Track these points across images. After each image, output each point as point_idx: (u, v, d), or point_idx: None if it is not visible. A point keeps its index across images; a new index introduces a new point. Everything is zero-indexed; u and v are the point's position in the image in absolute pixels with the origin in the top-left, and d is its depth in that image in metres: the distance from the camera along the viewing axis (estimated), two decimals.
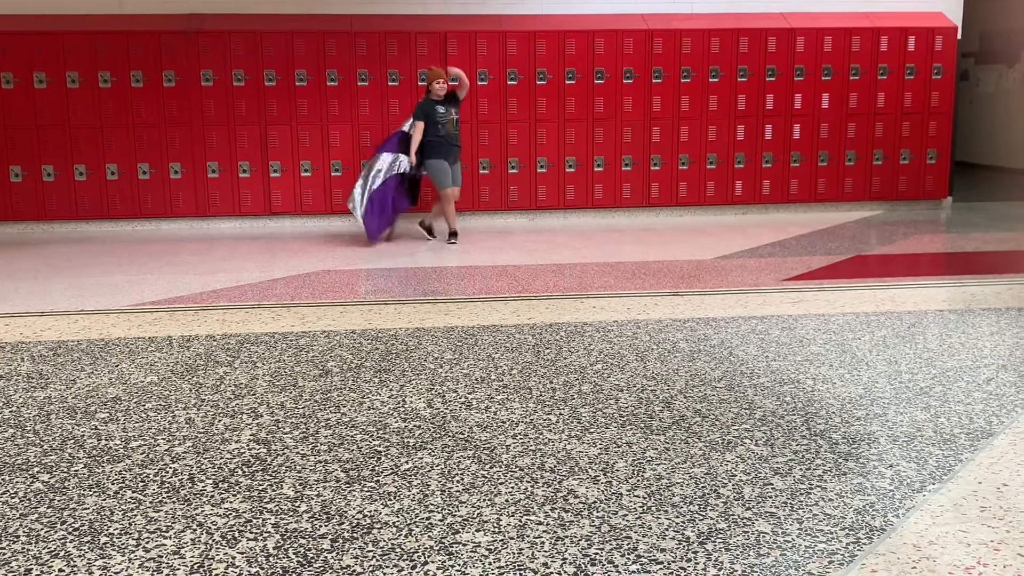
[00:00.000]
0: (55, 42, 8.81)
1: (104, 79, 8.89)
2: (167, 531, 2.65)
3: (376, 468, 3.09)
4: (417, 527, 2.67)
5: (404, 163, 8.04)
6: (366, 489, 2.93)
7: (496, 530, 2.65)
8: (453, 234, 8.26)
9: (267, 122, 9.14)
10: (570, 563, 2.46)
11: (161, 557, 2.50)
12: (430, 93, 8.02)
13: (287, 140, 9.19)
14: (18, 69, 8.79)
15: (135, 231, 9.17)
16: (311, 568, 2.44)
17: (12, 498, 2.88)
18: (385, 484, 2.96)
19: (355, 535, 2.62)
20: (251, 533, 2.63)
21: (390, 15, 9.37)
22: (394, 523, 2.69)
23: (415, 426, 3.48)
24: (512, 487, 2.94)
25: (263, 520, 2.71)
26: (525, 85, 9.35)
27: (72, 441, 3.36)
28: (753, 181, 9.89)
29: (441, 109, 7.97)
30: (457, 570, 2.42)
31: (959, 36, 10.04)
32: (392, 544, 2.57)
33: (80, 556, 2.51)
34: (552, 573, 2.41)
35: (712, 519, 2.72)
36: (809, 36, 9.71)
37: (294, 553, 2.52)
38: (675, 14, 9.68)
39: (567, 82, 9.42)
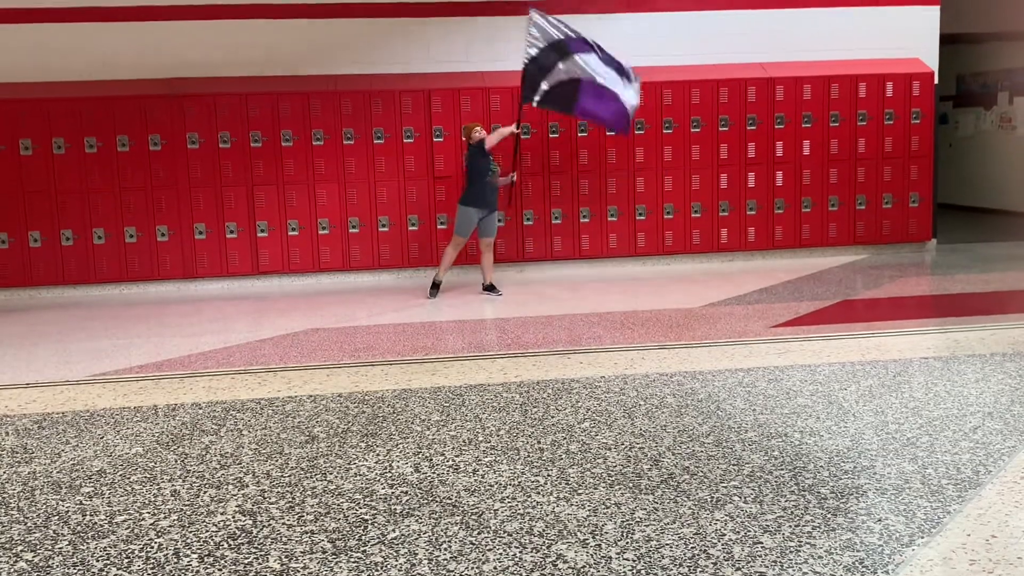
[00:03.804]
0: (40, 109, 8.87)
1: (90, 144, 8.94)
2: None
3: (363, 537, 3.07)
4: None
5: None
6: (352, 560, 2.90)
7: None
8: (435, 285, 8.28)
9: (253, 182, 9.19)
10: None
11: None
12: (472, 141, 8.11)
13: (274, 200, 9.24)
14: (3, 136, 8.84)
15: (122, 294, 9.16)
16: None
17: None
18: (372, 554, 2.94)
19: None
20: None
21: (374, 74, 9.47)
22: None
23: (402, 492, 3.46)
24: (501, 553, 2.92)
25: None
26: (510, 139, 9.41)
27: (56, 517, 3.33)
28: (738, 228, 9.96)
29: (491, 158, 8.12)
30: None
31: (936, 81, 10.19)
32: None
33: None
34: None
35: None
36: (788, 85, 9.84)
37: None
38: (655, 67, 9.81)
39: (551, 136, 9.51)
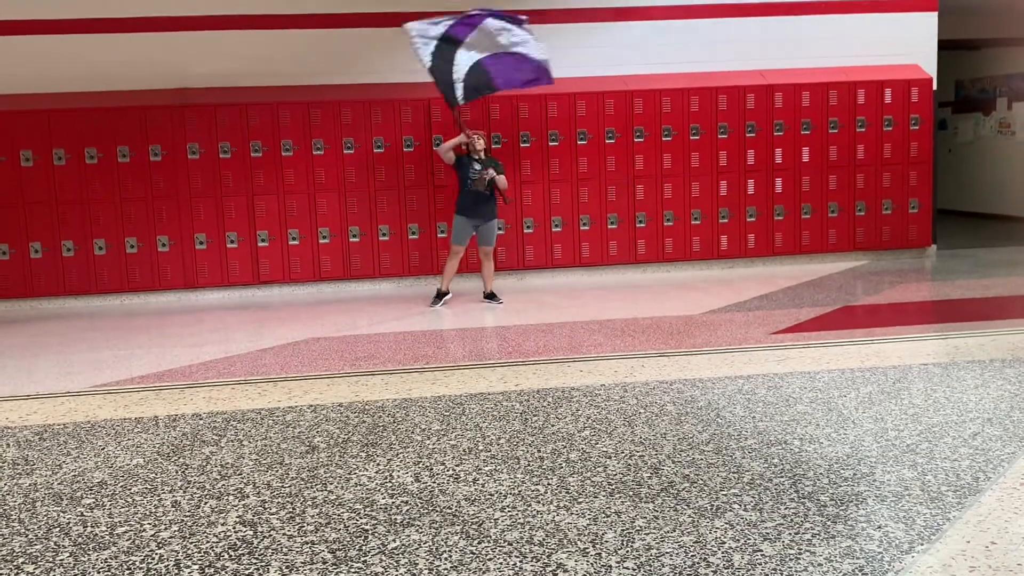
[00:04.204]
0: (41, 120, 8.89)
1: (91, 155, 8.96)
2: None
3: (363, 548, 3.07)
4: None
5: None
6: (353, 570, 2.91)
7: None
8: (439, 295, 8.29)
9: (254, 192, 9.22)
10: None
11: None
12: (470, 151, 8.18)
13: (274, 209, 9.26)
14: (4, 147, 8.86)
15: (123, 305, 9.18)
16: None
17: None
18: (372, 564, 2.94)
19: None
20: None
21: (374, 84, 9.50)
22: None
23: (402, 502, 3.47)
24: (501, 563, 2.92)
25: None
26: (509, 148, 9.46)
27: (58, 529, 3.34)
28: (738, 235, 9.97)
29: (476, 166, 8.10)
30: None
31: (935, 87, 10.22)
32: None
33: None
34: None
35: None
36: (787, 92, 9.86)
37: None
38: (654, 75, 9.84)
39: (551, 144, 9.53)
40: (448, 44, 7.91)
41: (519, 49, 7.98)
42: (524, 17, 8.20)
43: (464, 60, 7.91)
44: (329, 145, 9.26)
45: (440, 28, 7.89)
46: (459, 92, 7.91)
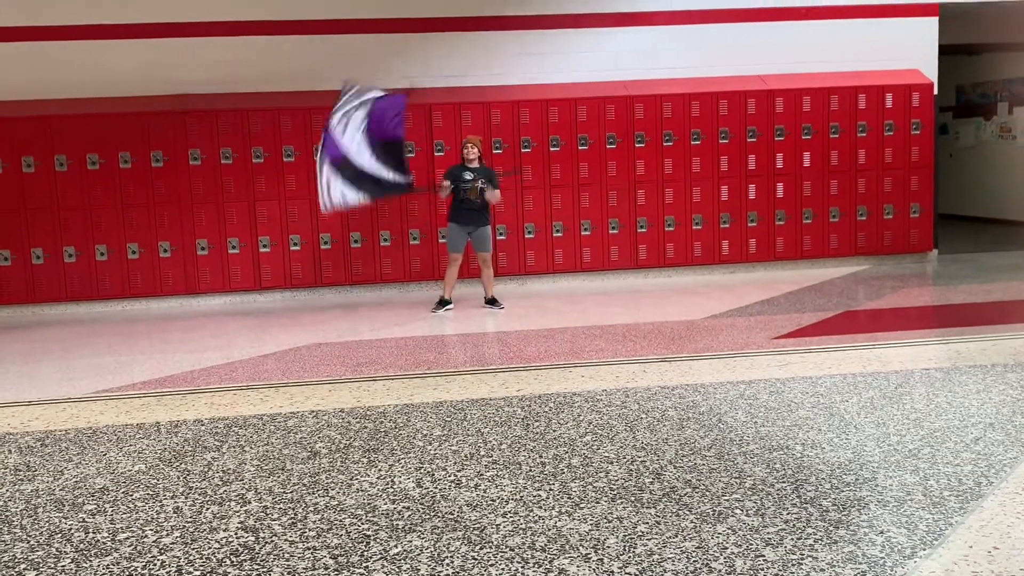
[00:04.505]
0: (42, 126, 8.91)
1: (92, 161, 8.98)
2: None
3: (365, 553, 3.07)
4: None
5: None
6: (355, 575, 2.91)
7: None
8: (441, 302, 8.30)
9: (255, 198, 9.23)
10: None
11: None
12: (464, 160, 8.22)
13: (276, 215, 9.27)
14: (6, 153, 8.88)
15: (125, 311, 9.19)
16: None
17: None
18: (374, 570, 2.94)
19: None
20: None
21: None
22: None
23: (404, 507, 3.47)
24: (503, 568, 2.92)
25: None
26: (510, 154, 9.47)
27: (59, 535, 3.33)
28: (739, 240, 9.97)
29: (468, 175, 8.10)
30: None
31: (936, 91, 10.22)
32: None
33: None
34: None
35: None
36: (788, 97, 9.87)
37: None
38: (655, 80, 9.85)
39: (551, 149, 9.54)
40: (340, 166, 7.58)
41: (368, 110, 7.68)
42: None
43: (362, 159, 7.59)
44: None
45: (324, 164, 7.54)
46: (398, 179, 7.70)
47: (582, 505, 3.42)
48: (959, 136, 14.76)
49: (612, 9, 9.89)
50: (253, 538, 3.24)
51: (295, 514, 3.44)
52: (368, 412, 4.84)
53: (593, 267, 9.79)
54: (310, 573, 2.94)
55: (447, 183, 8.11)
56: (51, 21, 9.15)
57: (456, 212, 8.18)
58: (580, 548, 3.05)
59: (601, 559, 2.96)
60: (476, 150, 8.18)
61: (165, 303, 9.33)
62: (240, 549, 3.15)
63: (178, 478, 3.91)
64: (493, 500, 3.50)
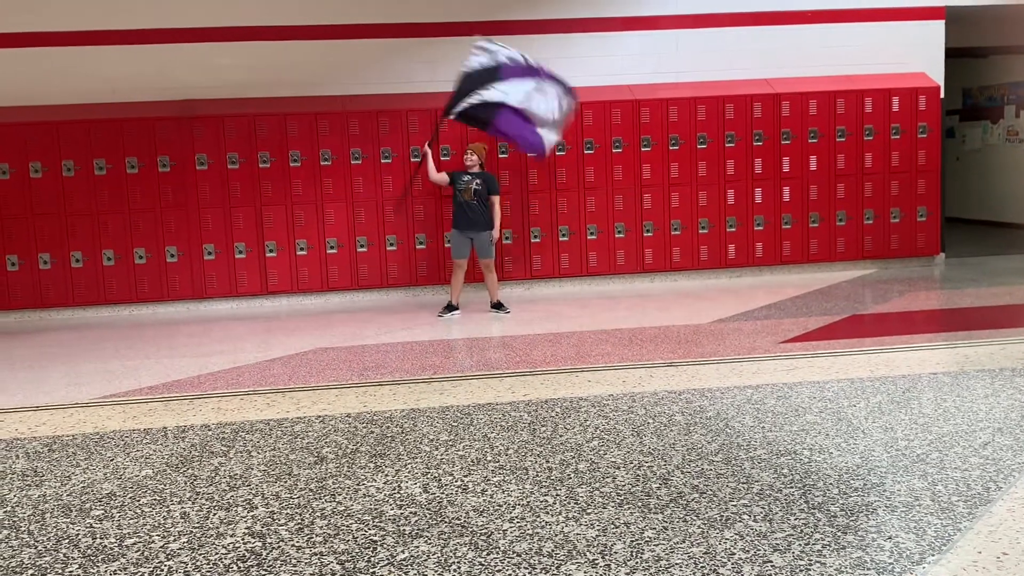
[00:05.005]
0: (49, 131, 8.94)
1: (99, 166, 9.00)
2: None
3: (372, 559, 3.07)
4: None
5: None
6: None
7: None
8: (448, 307, 8.30)
9: (262, 203, 9.24)
10: None
11: None
12: (466, 166, 8.30)
13: (282, 220, 9.28)
14: (13, 159, 8.91)
15: (132, 315, 9.21)
16: None
17: None
18: (381, 575, 2.94)
19: None
20: None
21: (381, 95, 9.53)
22: None
23: (411, 513, 3.46)
24: (510, 574, 2.91)
25: None
26: (516, 158, 9.47)
27: (67, 540, 3.34)
28: (746, 244, 9.96)
29: (465, 177, 8.14)
30: None
31: (942, 95, 10.20)
32: None
33: None
34: None
35: None
36: (794, 100, 9.86)
37: None
38: (661, 84, 9.85)
39: (558, 153, 9.53)
40: (489, 75, 7.78)
41: (540, 127, 7.88)
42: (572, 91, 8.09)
43: (492, 95, 7.79)
44: (336, 156, 9.28)
45: (492, 61, 7.78)
46: (459, 107, 7.84)
47: (589, 510, 3.42)
48: (966, 139, 14.73)
49: (619, 13, 9.89)
50: (260, 543, 3.24)
51: (302, 519, 3.44)
52: (374, 417, 4.84)
53: (599, 271, 9.79)
54: None
55: (436, 169, 8.31)
56: (57, 27, 9.19)
57: (456, 218, 8.20)
58: (587, 554, 3.05)
59: (608, 565, 2.96)
60: (475, 157, 8.20)
61: (172, 308, 9.34)
62: (247, 554, 3.15)
63: (185, 483, 3.92)
64: (500, 505, 3.50)
